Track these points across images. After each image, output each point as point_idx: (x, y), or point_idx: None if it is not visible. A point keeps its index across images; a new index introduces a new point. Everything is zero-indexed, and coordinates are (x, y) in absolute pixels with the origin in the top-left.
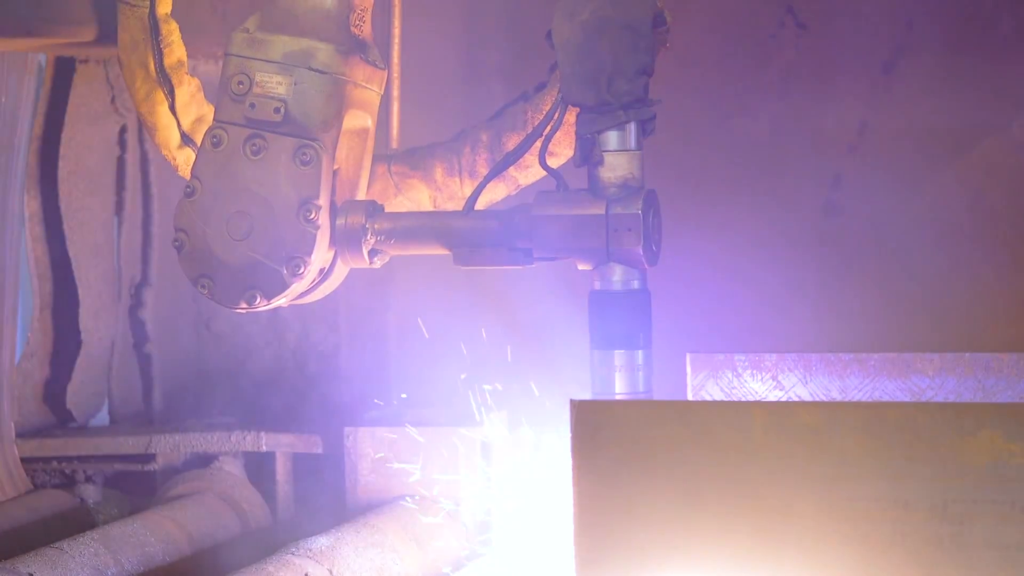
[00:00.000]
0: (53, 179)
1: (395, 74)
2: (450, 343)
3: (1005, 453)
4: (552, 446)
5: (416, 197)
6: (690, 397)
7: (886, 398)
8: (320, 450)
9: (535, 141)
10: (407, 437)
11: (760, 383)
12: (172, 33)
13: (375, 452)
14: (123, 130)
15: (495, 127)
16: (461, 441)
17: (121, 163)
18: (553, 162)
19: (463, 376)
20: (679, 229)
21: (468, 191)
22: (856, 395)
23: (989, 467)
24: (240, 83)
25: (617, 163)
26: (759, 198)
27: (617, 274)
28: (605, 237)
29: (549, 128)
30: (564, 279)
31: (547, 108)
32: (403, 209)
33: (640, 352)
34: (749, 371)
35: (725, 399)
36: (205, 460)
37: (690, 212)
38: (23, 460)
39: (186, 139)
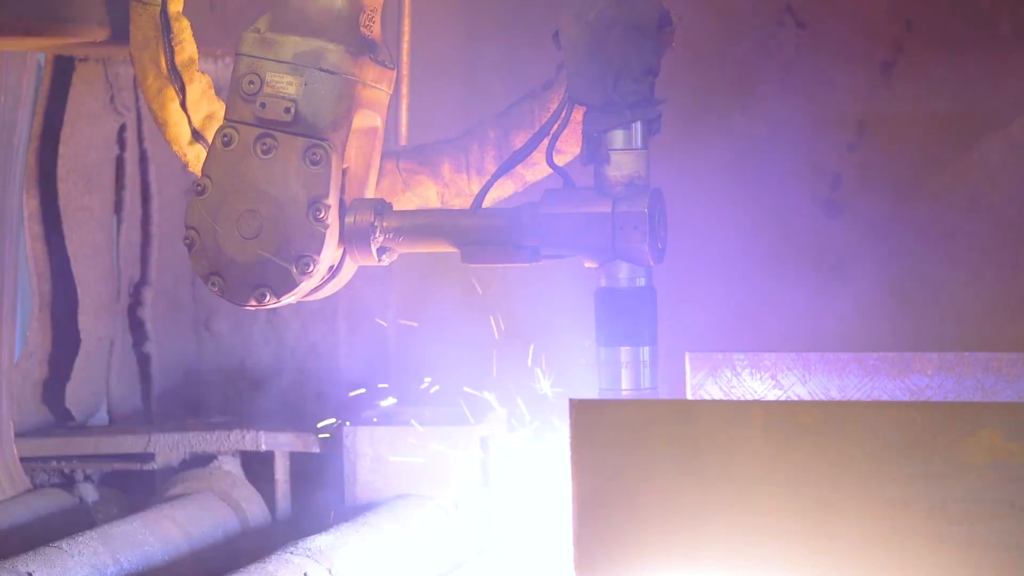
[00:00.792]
0: (52, 178)
1: (404, 72)
2: (449, 342)
3: (1004, 452)
4: (552, 443)
5: (424, 193)
6: (689, 396)
7: (885, 397)
8: (319, 449)
9: (542, 139)
10: (406, 436)
11: (759, 382)
12: (183, 31)
13: (374, 451)
14: (122, 129)
15: (503, 124)
16: (460, 439)
17: (120, 162)
18: (560, 160)
19: (461, 376)
20: (678, 229)
21: (475, 187)
22: (855, 394)
23: (989, 466)
24: (251, 83)
25: (623, 162)
26: (758, 197)
27: (623, 271)
28: (611, 235)
29: (556, 127)
30: (567, 278)
31: (554, 106)
32: (411, 205)
33: (646, 348)
34: (748, 370)
35: (724, 398)
36: (204, 459)
37: (689, 211)
38: (22, 459)
39: (197, 135)
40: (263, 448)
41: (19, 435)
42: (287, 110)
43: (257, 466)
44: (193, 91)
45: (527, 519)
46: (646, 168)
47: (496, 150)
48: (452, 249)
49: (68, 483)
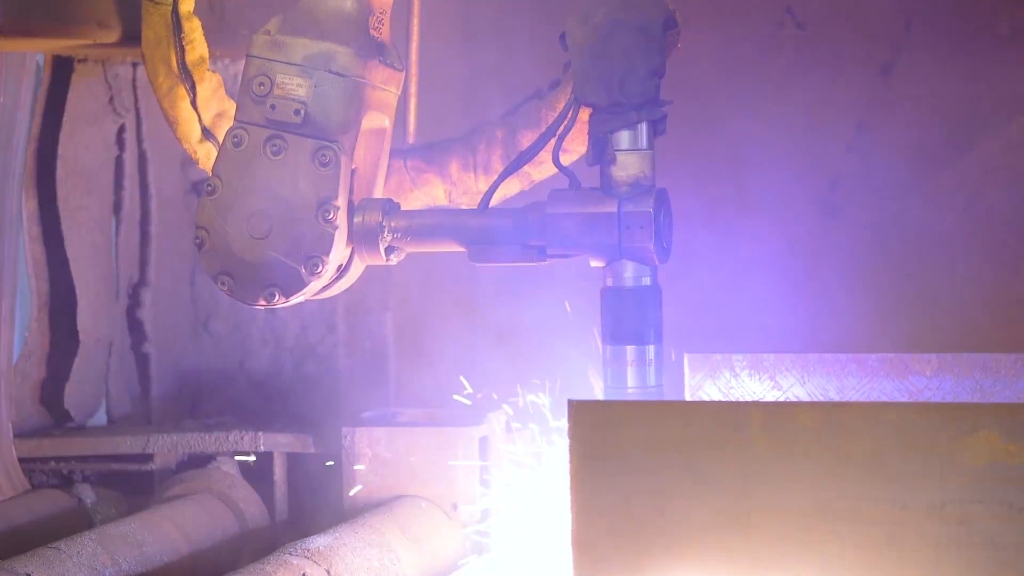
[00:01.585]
0: (51, 179)
1: (413, 71)
2: (449, 343)
3: (1003, 453)
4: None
5: (431, 192)
6: (688, 397)
7: (884, 398)
8: (318, 450)
9: (549, 139)
10: (405, 437)
11: (758, 383)
12: (194, 31)
13: (372, 452)
14: (121, 130)
15: (510, 124)
16: (459, 440)
17: (119, 163)
18: (566, 158)
19: (461, 376)
20: (677, 229)
21: (482, 186)
22: (854, 395)
23: (987, 467)
24: (261, 84)
25: (629, 162)
26: (757, 198)
27: (629, 271)
28: (617, 234)
29: (563, 128)
30: (567, 278)
31: (560, 106)
32: (419, 203)
33: (651, 347)
34: (747, 371)
35: (723, 399)
36: (203, 460)
37: (688, 212)
38: (21, 460)
39: (207, 133)
40: (262, 449)
41: (18, 436)
42: (297, 112)
43: (256, 467)
44: (203, 90)
45: (527, 520)
46: (652, 168)
47: (503, 149)
48: (459, 248)
49: (66, 484)
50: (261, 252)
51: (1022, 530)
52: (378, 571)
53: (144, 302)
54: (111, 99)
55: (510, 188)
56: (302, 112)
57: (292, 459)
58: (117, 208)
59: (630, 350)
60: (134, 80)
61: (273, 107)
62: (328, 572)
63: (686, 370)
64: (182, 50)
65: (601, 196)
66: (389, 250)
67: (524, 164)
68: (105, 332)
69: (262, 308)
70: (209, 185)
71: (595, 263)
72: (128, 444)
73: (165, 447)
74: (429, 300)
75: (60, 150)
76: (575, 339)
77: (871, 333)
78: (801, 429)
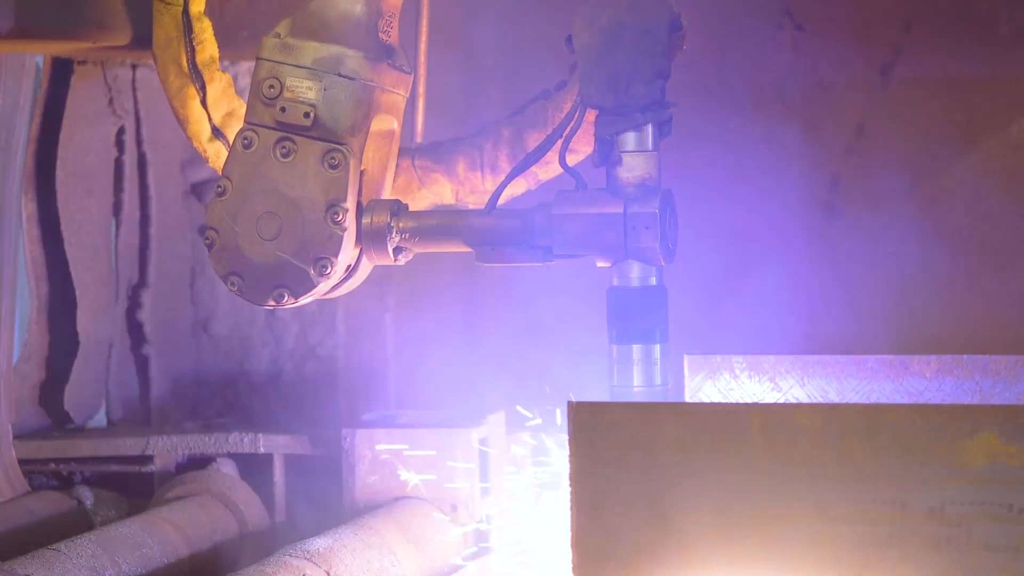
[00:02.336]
0: (51, 181)
1: (422, 72)
2: (448, 344)
3: (1003, 455)
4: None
5: (439, 191)
6: (687, 399)
7: (883, 400)
8: (318, 451)
9: (556, 140)
10: (405, 438)
11: (757, 385)
12: (205, 31)
13: (372, 453)
14: (121, 131)
15: (516, 124)
16: (459, 442)
17: (119, 165)
18: (572, 159)
19: (461, 376)
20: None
21: (489, 185)
22: (853, 397)
23: (987, 469)
24: (271, 87)
25: (635, 163)
26: (757, 199)
27: (635, 271)
28: (623, 235)
29: (569, 129)
30: (566, 279)
31: (567, 107)
32: (426, 202)
33: (657, 346)
34: (746, 373)
35: (722, 401)
36: (203, 462)
37: (688, 212)
38: (20, 462)
39: (217, 132)
40: (262, 450)
41: (17, 437)
42: (307, 115)
43: (256, 468)
44: (213, 89)
45: (526, 521)
46: (657, 169)
47: (510, 149)
48: (466, 249)
49: (66, 485)
50: (270, 253)
51: (1022, 532)
52: (378, 572)
53: (144, 304)
54: (111, 101)
55: (516, 188)
56: (312, 115)
57: (292, 460)
58: (116, 210)
59: (636, 349)
60: (134, 82)
61: (283, 109)
62: (328, 573)
63: (685, 371)
64: (192, 50)
65: (607, 197)
66: (397, 251)
67: (531, 165)
68: (105, 334)
69: (271, 308)
70: (219, 186)
71: (601, 263)
72: (128, 446)
73: (165, 449)
74: (430, 300)
75: (59, 152)
76: (582, 339)
77: (871, 334)
78: (801, 431)
